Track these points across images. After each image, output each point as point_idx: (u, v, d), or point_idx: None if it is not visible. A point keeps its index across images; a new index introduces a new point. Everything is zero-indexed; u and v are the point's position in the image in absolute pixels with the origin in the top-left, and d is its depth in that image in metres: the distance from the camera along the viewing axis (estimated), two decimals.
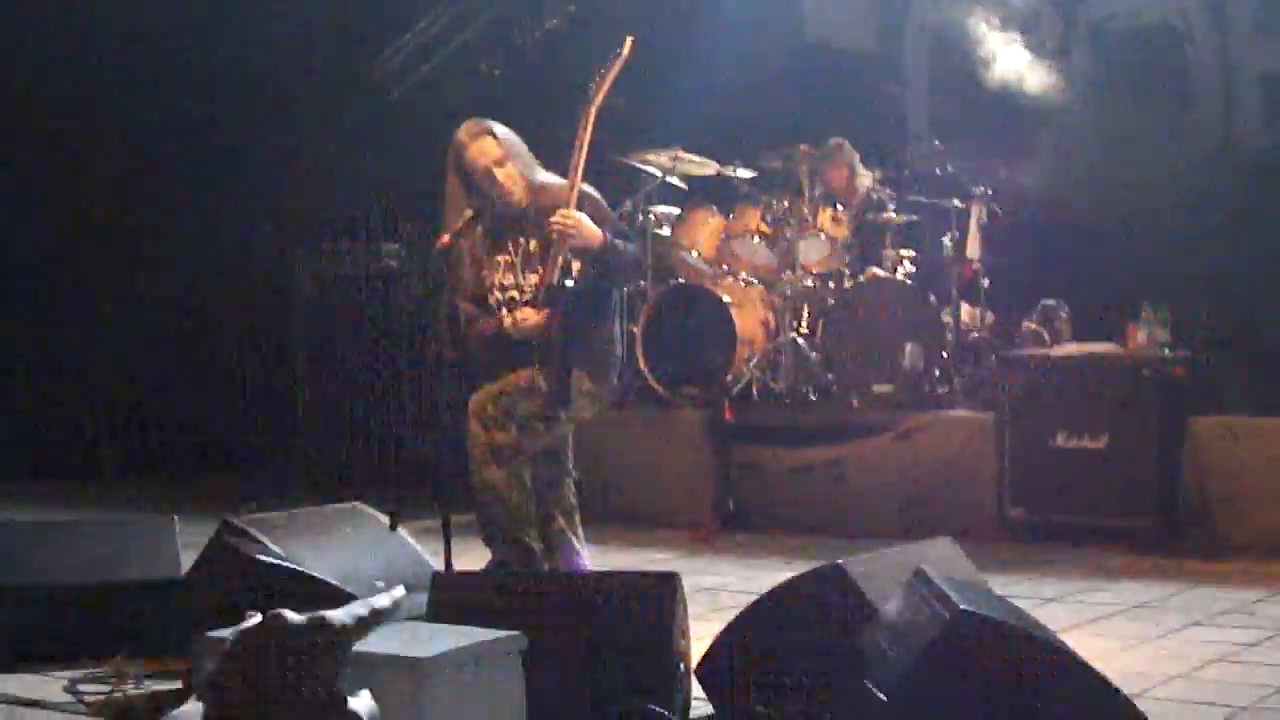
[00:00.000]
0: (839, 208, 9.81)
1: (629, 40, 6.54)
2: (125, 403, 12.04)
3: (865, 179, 10.20)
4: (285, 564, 5.41)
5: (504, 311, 6.51)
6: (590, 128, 6.42)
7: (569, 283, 6.36)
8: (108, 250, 11.99)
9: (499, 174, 6.45)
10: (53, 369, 11.78)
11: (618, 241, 6.44)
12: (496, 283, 6.57)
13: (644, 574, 5.36)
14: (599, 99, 6.45)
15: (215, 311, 12.20)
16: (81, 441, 11.73)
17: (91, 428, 11.79)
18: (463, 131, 6.53)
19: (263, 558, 5.41)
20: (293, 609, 4.52)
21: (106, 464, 11.61)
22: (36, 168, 11.80)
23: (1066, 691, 4.05)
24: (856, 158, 10.27)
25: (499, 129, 6.54)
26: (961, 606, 4.05)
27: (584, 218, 6.32)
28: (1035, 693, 4.02)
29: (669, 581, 4.84)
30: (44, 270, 11.86)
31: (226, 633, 4.33)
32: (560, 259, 6.35)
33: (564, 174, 6.45)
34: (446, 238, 6.40)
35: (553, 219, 6.32)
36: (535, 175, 6.56)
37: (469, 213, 6.40)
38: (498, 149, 6.47)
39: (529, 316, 6.38)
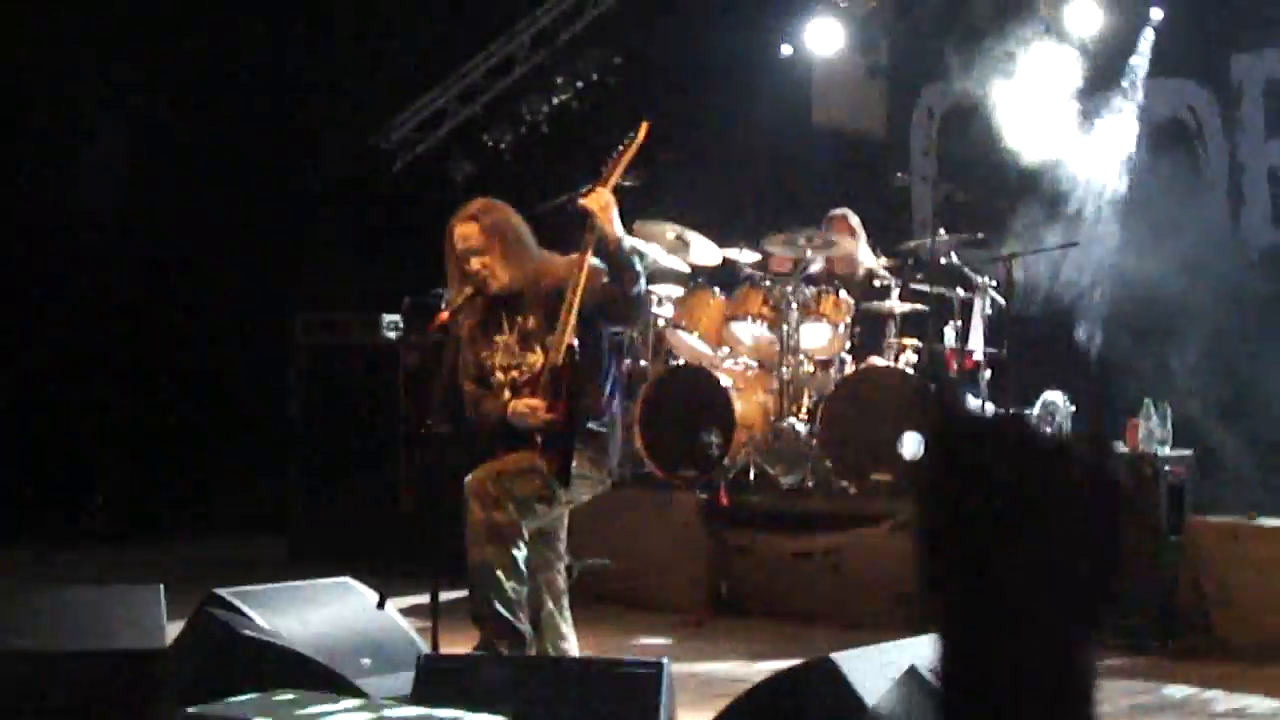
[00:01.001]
0: (841, 294, 9.78)
1: (644, 125, 6.52)
2: (118, 468, 11.99)
3: (867, 260, 10.19)
4: (269, 639, 5.35)
5: (507, 393, 6.47)
6: (608, 186, 6.38)
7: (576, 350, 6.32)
8: (105, 316, 11.96)
9: (475, 262, 6.43)
10: (45, 432, 11.73)
11: (633, 257, 6.37)
12: (497, 363, 6.53)
13: (631, 661, 5.30)
14: (613, 180, 6.42)
15: (213, 379, 12.17)
16: (71, 506, 11.67)
17: (85, 495, 11.73)
18: (458, 212, 6.54)
19: (246, 632, 5.35)
20: (275, 686, 4.49)
21: (96, 529, 11.54)
22: (27, 232, 11.78)
23: None
24: (861, 232, 10.26)
25: (489, 214, 6.51)
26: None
27: (613, 206, 6.27)
28: None
29: (655, 669, 4.78)
30: (37, 331, 11.83)
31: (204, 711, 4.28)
32: (565, 337, 6.30)
33: (570, 251, 6.43)
34: (445, 313, 6.38)
35: (589, 198, 6.27)
36: (527, 259, 6.51)
37: (468, 290, 6.39)
38: (477, 237, 6.45)
39: (532, 406, 6.32)
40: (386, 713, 4.29)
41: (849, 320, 9.77)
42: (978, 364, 9.83)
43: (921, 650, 4.97)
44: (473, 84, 11.92)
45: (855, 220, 10.34)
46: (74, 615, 6.09)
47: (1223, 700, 6.94)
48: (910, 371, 9.62)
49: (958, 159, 11.18)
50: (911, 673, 4.38)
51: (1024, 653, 1.55)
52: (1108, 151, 10.59)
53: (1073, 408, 9.61)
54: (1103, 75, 10.50)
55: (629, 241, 6.42)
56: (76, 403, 11.87)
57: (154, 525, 11.71)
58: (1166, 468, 8.27)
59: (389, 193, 12.12)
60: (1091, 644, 1.55)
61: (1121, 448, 8.57)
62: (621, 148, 6.44)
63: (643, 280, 6.43)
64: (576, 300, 6.28)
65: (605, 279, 6.34)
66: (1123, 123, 10.59)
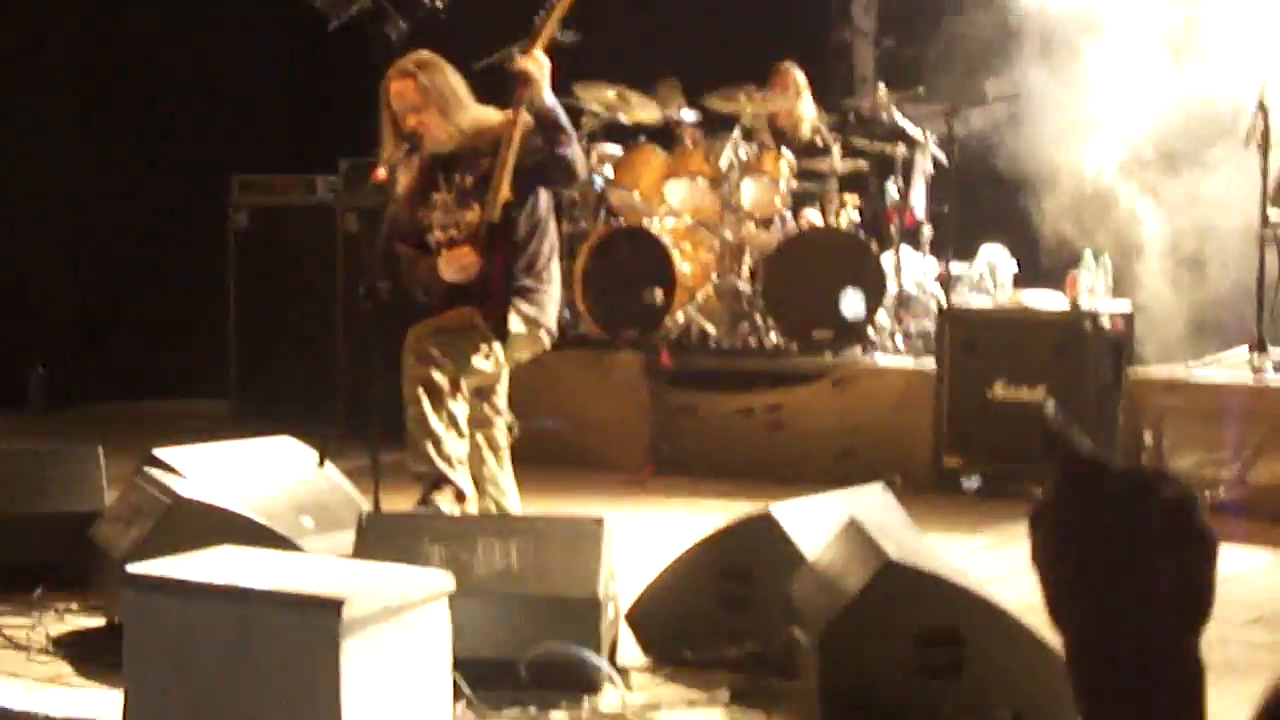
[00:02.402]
0: (783, 151, 9.75)
1: None
2: (56, 333, 11.91)
3: (809, 116, 10.16)
4: (207, 501, 5.33)
5: (442, 252, 6.43)
6: (538, 45, 6.31)
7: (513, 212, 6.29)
8: (38, 181, 11.83)
9: (411, 120, 6.38)
10: None
11: (563, 118, 6.33)
12: (434, 222, 6.49)
13: (571, 518, 5.32)
14: (545, 36, 6.35)
15: (151, 243, 12.08)
16: (10, 371, 11.59)
17: (25, 362, 11.65)
18: (393, 68, 6.47)
19: (184, 494, 5.33)
20: (215, 546, 4.48)
21: (35, 394, 11.47)
22: None
23: (992, 641, 4.03)
24: (804, 84, 10.20)
25: (425, 70, 6.44)
26: (890, 556, 4.02)
27: (545, 67, 6.23)
28: (962, 642, 4.00)
29: (596, 524, 4.80)
30: None
31: (143, 569, 4.27)
32: (500, 194, 6.26)
33: (507, 108, 6.37)
34: (382, 171, 6.33)
35: (521, 61, 6.22)
36: (464, 116, 6.46)
37: (405, 147, 6.34)
38: (415, 93, 6.39)
39: (463, 255, 6.30)
40: (319, 571, 4.29)
41: (790, 178, 9.74)
42: (919, 221, 9.84)
43: (860, 501, 5.00)
44: None
45: (800, 75, 10.27)
46: (12, 478, 6.08)
47: None
48: (850, 229, 9.62)
49: (898, 13, 11.11)
50: (850, 524, 4.41)
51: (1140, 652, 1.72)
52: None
53: (1013, 261, 9.64)
54: None
55: (553, 102, 6.35)
56: (11, 269, 11.76)
57: (94, 389, 11.65)
58: (1105, 322, 8.31)
59: (324, 53, 11.98)
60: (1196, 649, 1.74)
61: (1062, 299, 8.60)
62: (551, 4, 6.37)
63: (574, 143, 6.38)
64: (511, 157, 6.23)
65: (539, 140, 6.30)
66: None
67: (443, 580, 4.21)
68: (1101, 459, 1.81)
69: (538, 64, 6.22)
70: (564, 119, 6.31)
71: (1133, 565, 1.68)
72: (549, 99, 6.24)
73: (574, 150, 6.35)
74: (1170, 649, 1.69)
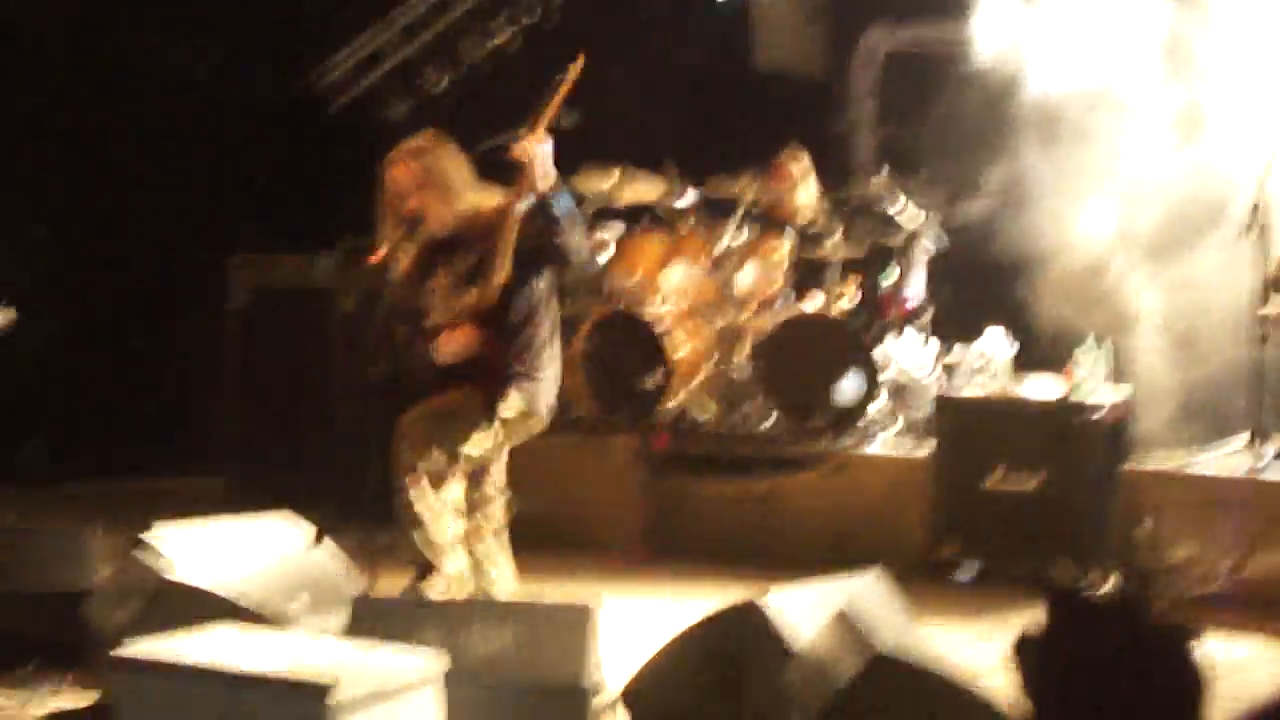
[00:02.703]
0: (783, 236, 9.76)
1: (580, 59, 6.48)
2: (53, 408, 11.90)
3: (809, 201, 10.18)
4: (197, 586, 5.31)
5: (440, 334, 6.44)
6: (539, 131, 6.33)
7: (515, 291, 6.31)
8: (38, 256, 11.85)
9: (412, 202, 6.41)
10: None
11: (560, 197, 6.33)
12: (433, 305, 6.50)
13: (559, 605, 5.31)
14: (548, 117, 6.38)
15: (148, 320, 12.07)
16: (7, 446, 11.57)
17: (22, 436, 11.63)
18: (394, 151, 6.50)
19: (173, 578, 5.32)
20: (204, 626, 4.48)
21: (32, 469, 11.45)
22: None
23: None
24: (808, 169, 10.20)
25: (427, 154, 6.46)
26: (878, 650, 4.01)
27: (546, 154, 6.23)
28: None
29: (583, 613, 4.79)
30: None
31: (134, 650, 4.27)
32: (497, 277, 6.27)
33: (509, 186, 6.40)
34: (381, 253, 6.35)
35: (521, 145, 6.23)
36: (464, 200, 6.48)
37: (403, 228, 6.36)
38: (415, 176, 6.42)
39: (457, 339, 6.30)
40: (311, 653, 4.28)
41: (789, 263, 9.76)
42: (911, 311, 9.85)
43: (853, 588, 4.99)
44: (410, 24, 11.85)
45: (806, 161, 10.29)
46: (4, 555, 6.07)
47: None
48: (846, 317, 9.62)
49: (900, 103, 11.14)
50: (841, 615, 4.40)
51: None
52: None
53: (1015, 344, 9.63)
54: None
55: (554, 186, 6.36)
56: (9, 344, 11.75)
57: (90, 465, 11.63)
58: (1102, 413, 8.30)
59: (324, 134, 12.05)
60: None
61: (1061, 387, 8.59)
62: (554, 86, 6.40)
63: (573, 229, 6.39)
64: (510, 240, 6.25)
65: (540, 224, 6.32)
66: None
67: (435, 663, 4.21)
68: (1090, 593, 1.84)
69: (533, 151, 6.23)
70: (561, 207, 6.32)
71: (1123, 695, 1.68)
72: (547, 182, 6.25)
73: (572, 238, 6.36)
74: None
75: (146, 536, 5.50)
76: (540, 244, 6.32)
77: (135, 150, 11.91)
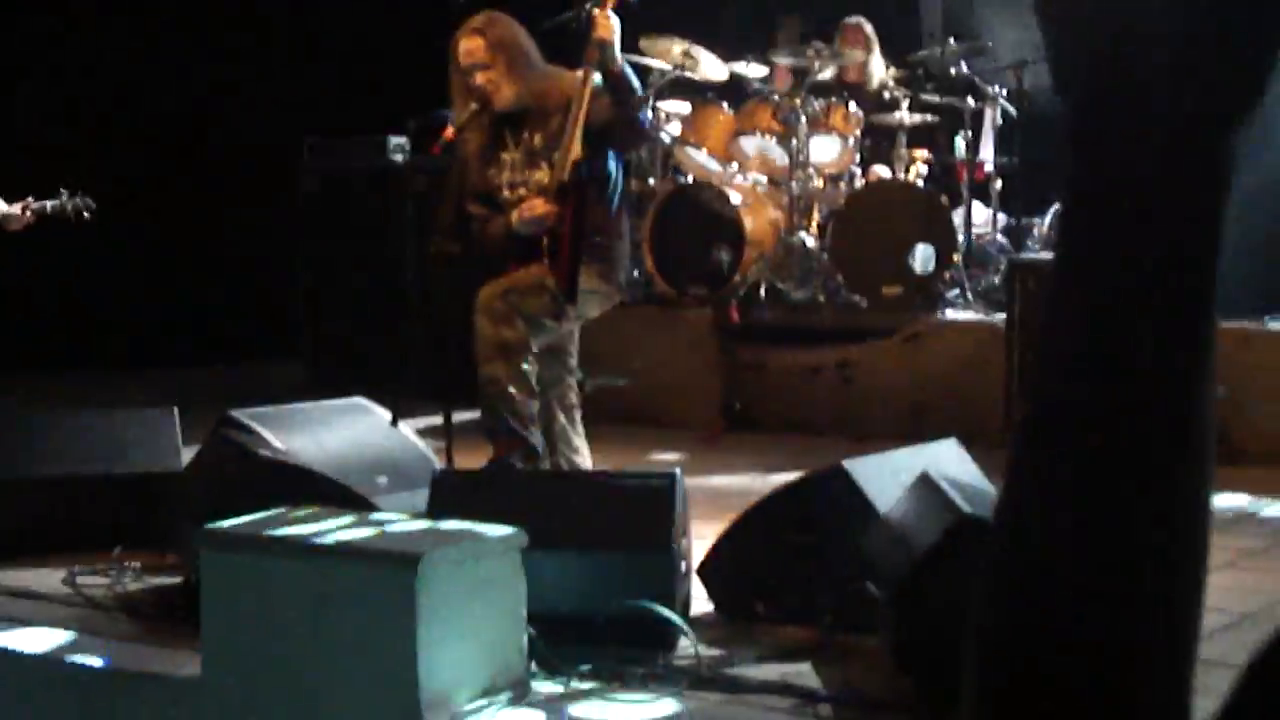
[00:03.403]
0: (851, 106, 9.71)
1: None
2: (129, 295, 12.00)
3: (878, 71, 10.12)
4: (284, 459, 5.37)
5: (513, 211, 6.45)
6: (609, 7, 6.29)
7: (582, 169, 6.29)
8: (113, 143, 11.92)
9: (479, 77, 6.38)
10: (57, 262, 11.73)
11: (631, 74, 6.31)
12: (504, 181, 6.51)
13: (645, 472, 5.33)
14: None
15: (220, 205, 12.14)
16: (84, 333, 11.69)
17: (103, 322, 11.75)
18: (461, 27, 6.47)
19: (261, 452, 5.37)
20: (291, 505, 4.52)
21: (110, 356, 11.57)
22: (36, 47, 11.71)
23: None
24: (875, 41, 10.15)
25: (494, 27, 6.43)
26: (964, 510, 4.01)
27: (616, 31, 6.19)
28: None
29: (669, 479, 4.81)
30: (46, 159, 11.80)
31: (221, 528, 4.32)
32: (571, 153, 6.26)
33: (575, 68, 6.37)
34: (451, 131, 6.34)
35: (597, 24, 6.20)
36: (533, 75, 6.46)
37: (474, 106, 6.35)
38: (483, 51, 6.39)
39: (537, 206, 6.30)
40: (395, 528, 4.31)
41: (858, 133, 9.71)
42: (988, 175, 9.79)
43: (932, 455, 4.99)
44: None
45: (869, 29, 10.22)
46: (89, 439, 6.14)
47: (1233, 501, 6.98)
48: (920, 184, 9.58)
49: None
50: (924, 478, 4.40)
51: None
52: None
53: None
54: None
55: (623, 64, 6.33)
56: (85, 230, 11.86)
57: (165, 354, 11.73)
58: None
59: (392, 12, 12.01)
60: None
61: None
62: None
63: (647, 107, 6.40)
64: (581, 116, 6.23)
65: (608, 101, 6.29)
66: None
67: (516, 536, 4.24)
68: None
69: (608, 25, 6.20)
70: (634, 81, 6.30)
71: None
72: (619, 61, 6.22)
73: (643, 113, 6.35)
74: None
75: (229, 416, 5.55)
76: (610, 121, 6.30)
77: (206, 35, 11.94)
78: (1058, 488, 1.81)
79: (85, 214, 8.09)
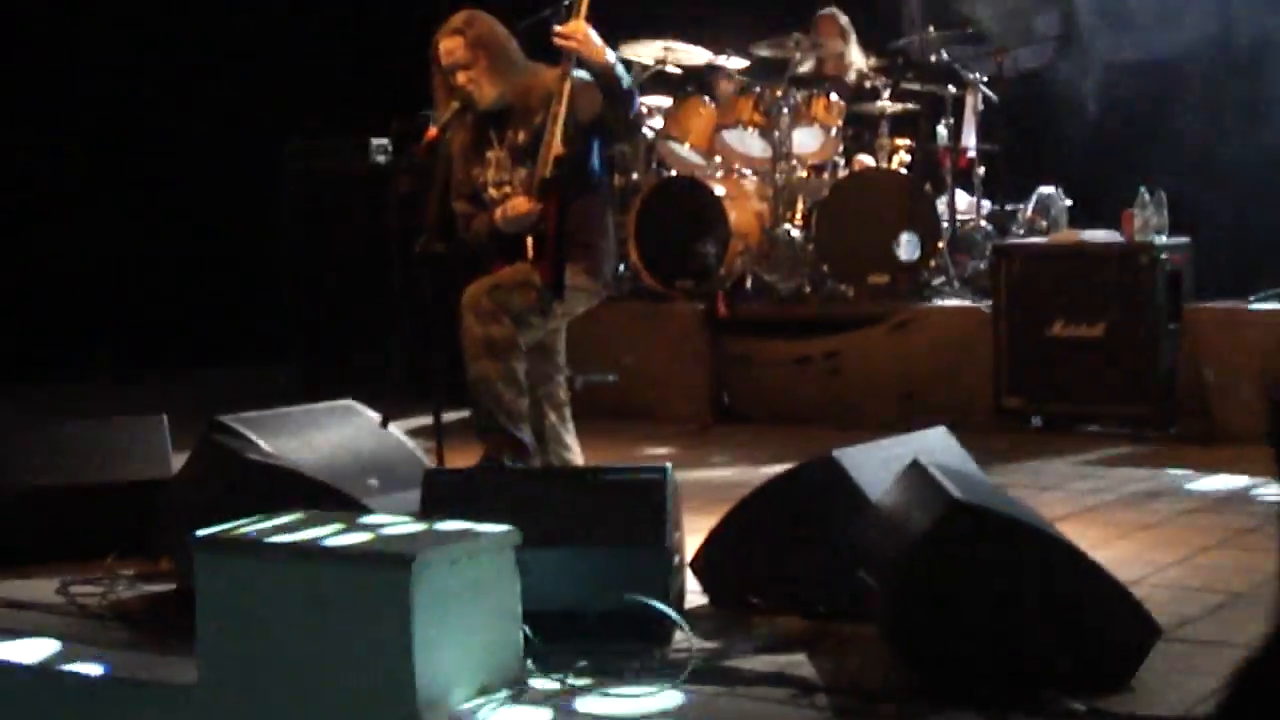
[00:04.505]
0: (832, 96, 9.72)
1: None
2: (113, 302, 11.98)
3: (857, 60, 10.13)
4: (275, 463, 5.37)
5: (498, 209, 6.45)
6: (583, 12, 6.29)
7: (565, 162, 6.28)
8: (96, 150, 11.91)
9: (461, 77, 6.37)
10: (40, 271, 11.73)
11: (620, 67, 6.31)
12: (489, 179, 6.50)
13: (635, 467, 5.34)
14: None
15: (202, 212, 12.13)
16: (70, 342, 11.68)
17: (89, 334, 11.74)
18: (442, 28, 6.46)
19: (252, 456, 5.37)
20: (283, 508, 4.52)
21: (96, 365, 11.55)
22: (22, 64, 11.70)
23: (1061, 581, 4.02)
24: (851, 31, 10.17)
25: (473, 26, 6.43)
26: (955, 496, 4.01)
27: (591, 31, 6.20)
28: (1029, 583, 4.00)
29: (660, 473, 4.81)
30: (31, 170, 11.79)
31: (214, 533, 4.32)
32: (552, 149, 6.26)
33: (554, 64, 6.36)
34: (434, 130, 6.33)
35: (558, 30, 6.20)
36: (514, 73, 6.46)
37: (455, 105, 6.35)
38: (463, 50, 6.38)
39: (521, 205, 6.30)
40: (388, 530, 4.32)
41: (840, 123, 9.72)
42: (971, 161, 9.80)
43: (922, 443, 5.00)
44: None
45: (844, 20, 10.25)
46: (79, 449, 6.14)
47: (1222, 481, 7.00)
48: (903, 171, 9.60)
49: None
50: (914, 466, 4.41)
51: None
52: None
53: (1067, 200, 9.59)
54: None
55: (614, 58, 6.33)
56: (69, 238, 11.85)
57: (152, 360, 11.72)
58: (1164, 256, 8.25)
59: (371, 13, 12.01)
60: None
61: (1117, 237, 8.54)
62: None
63: (636, 98, 6.41)
64: (562, 112, 6.22)
65: (598, 95, 6.28)
66: None
67: (509, 535, 4.25)
68: None
69: (577, 32, 6.18)
70: (622, 73, 6.30)
71: None
72: (608, 55, 6.21)
73: (635, 107, 6.36)
74: None
75: (219, 422, 5.55)
76: (601, 114, 6.30)
77: (185, 42, 11.93)
78: None
79: None
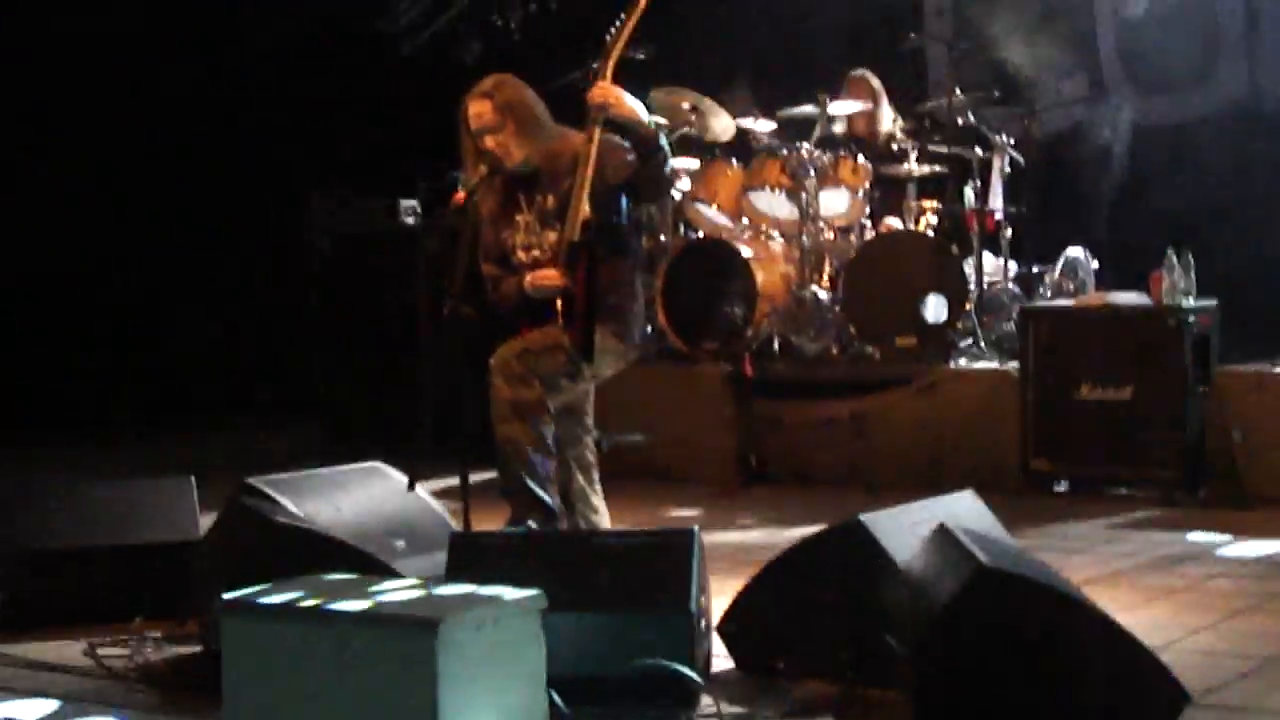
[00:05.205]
0: (860, 159, 9.73)
1: None
2: (141, 361, 12.03)
3: (886, 123, 10.15)
4: (303, 526, 5.38)
5: (526, 274, 6.46)
6: (609, 75, 6.33)
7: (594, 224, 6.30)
8: (121, 206, 11.97)
9: (489, 140, 6.40)
10: (67, 331, 11.78)
11: (654, 125, 6.33)
12: (518, 243, 6.53)
13: (662, 530, 5.33)
14: (617, 50, 6.37)
15: (230, 270, 12.18)
16: (99, 401, 11.72)
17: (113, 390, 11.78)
18: (471, 91, 6.50)
19: (280, 519, 5.38)
20: (310, 571, 4.52)
21: (123, 424, 11.58)
22: (46, 120, 11.78)
23: (1089, 646, 4.01)
24: (882, 94, 10.17)
25: (502, 90, 6.46)
26: (982, 561, 4.01)
27: (622, 92, 6.23)
28: (1057, 648, 3.98)
29: (687, 537, 4.81)
30: (57, 230, 11.85)
31: (242, 596, 4.32)
32: (580, 213, 6.28)
33: (582, 127, 6.39)
34: (462, 194, 6.36)
35: (591, 93, 6.24)
36: (543, 136, 6.49)
37: (484, 169, 6.38)
38: (491, 114, 6.41)
39: (550, 276, 6.32)
40: (414, 594, 4.31)
41: (868, 185, 9.73)
42: (998, 223, 9.80)
43: (949, 507, 4.99)
44: None
45: (876, 82, 10.25)
46: (107, 510, 6.15)
47: (1251, 546, 6.97)
48: (930, 234, 9.60)
49: (972, 16, 11.08)
50: (941, 530, 4.40)
51: None
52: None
53: (1094, 263, 9.59)
54: None
55: (649, 118, 6.36)
56: (95, 295, 11.90)
57: (182, 417, 11.75)
58: (1191, 319, 8.23)
59: (399, 76, 12.07)
60: None
61: (1145, 299, 8.53)
62: (621, 20, 6.38)
63: (669, 156, 6.43)
64: (589, 175, 6.25)
65: (630, 157, 6.31)
66: None
67: (536, 599, 4.24)
68: None
69: (606, 94, 6.21)
70: (656, 131, 6.32)
71: None
72: (640, 113, 6.24)
73: (669, 166, 6.38)
74: None
75: (247, 484, 5.56)
76: (634, 174, 6.32)
77: (213, 99, 11.99)
78: None
79: None
